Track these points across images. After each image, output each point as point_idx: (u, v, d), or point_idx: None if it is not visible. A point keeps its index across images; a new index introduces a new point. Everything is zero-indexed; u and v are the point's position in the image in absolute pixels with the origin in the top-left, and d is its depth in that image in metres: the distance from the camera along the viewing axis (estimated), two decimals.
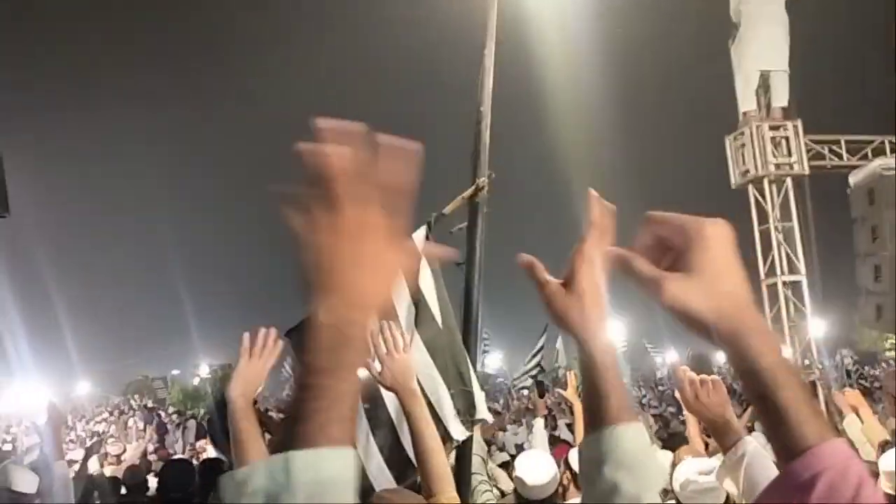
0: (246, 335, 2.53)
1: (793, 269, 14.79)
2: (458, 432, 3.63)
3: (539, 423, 7.08)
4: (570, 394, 6.08)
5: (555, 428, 10.87)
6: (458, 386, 3.67)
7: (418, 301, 3.75)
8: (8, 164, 6.82)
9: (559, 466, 4.59)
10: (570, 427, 10.80)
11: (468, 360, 3.84)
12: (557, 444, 7.17)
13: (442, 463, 2.59)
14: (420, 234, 3.88)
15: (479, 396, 3.76)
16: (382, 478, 3.53)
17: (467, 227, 4.06)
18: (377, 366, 2.71)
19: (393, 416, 3.50)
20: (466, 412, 3.66)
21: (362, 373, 3.58)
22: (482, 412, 3.76)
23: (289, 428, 0.88)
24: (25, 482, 4.82)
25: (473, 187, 4.04)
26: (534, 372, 15.52)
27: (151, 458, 11.68)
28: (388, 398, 3.38)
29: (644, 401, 19.50)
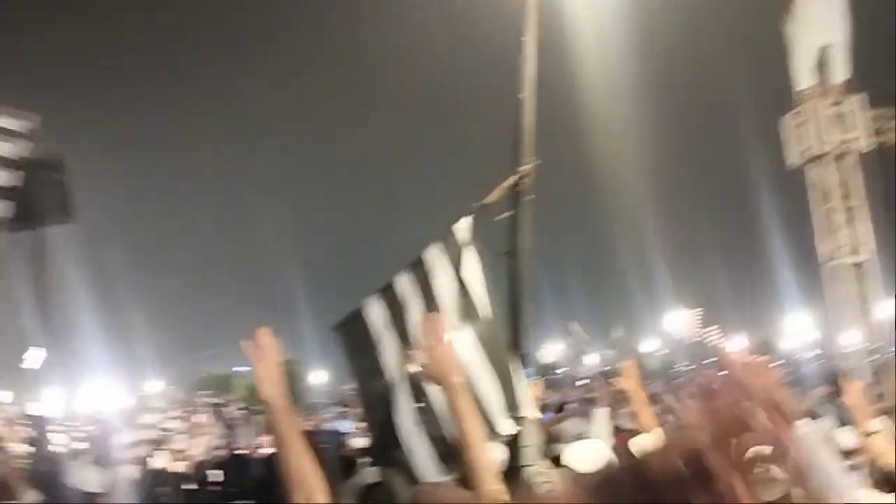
0: (245, 342, 2.54)
1: (858, 250, 14.28)
2: (505, 427, 3.61)
3: (602, 412, 7.01)
4: (630, 384, 5.87)
5: (614, 417, 10.73)
6: (506, 380, 3.65)
7: (463, 292, 3.75)
8: (73, 169, 7.07)
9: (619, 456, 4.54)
10: (631, 416, 10.63)
11: (513, 355, 3.82)
12: (618, 434, 7.08)
13: (484, 456, 2.58)
14: (464, 225, 3.88)
15: (525, 392, 3.73)
16: (429, 470, 3.54)
17: (511, 216, 4.04)
18: (422, 357, 2.71)
19: (440, 408, 3.51)
20: (511, 408, 3.64)
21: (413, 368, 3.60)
22: (527, 408, 3.72)
23: None
24: (93, 481, 4.97)
25: (516, 175, 4.01)
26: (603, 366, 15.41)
27: (219, 453, 11.95)
28: (435, 390, 3.39)
29: None
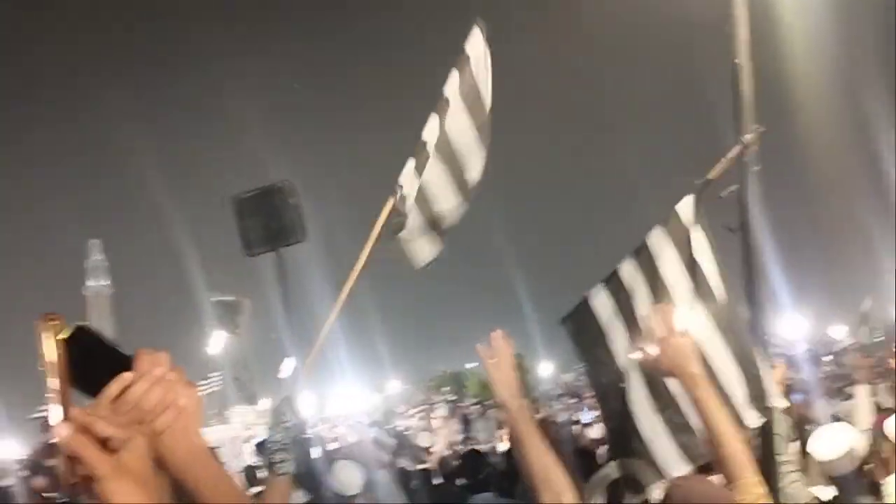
0: (479, 346, 2.58)
1: None
2: (751, 419, 3.39)
3: (861, 390, 6.51)
4: None
5: (873, 394, 9.82)
6: (748, 367, 3.43)
7: (693, 275, 3.57)
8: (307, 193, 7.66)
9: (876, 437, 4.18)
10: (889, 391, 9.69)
11: (752, 338, 3.58)
12: (878, 413, 6.50)
13: (738, 447, 2.42)
14: (688, 204, 3.70)
15: (769, 379, 3.48)
16: (671, 459, 3.41)
17: (738, 190, 3.79)
18: (653, 350, 2.61)
19: (678, 397, 3.36)
20: (756, 397, 3.41)
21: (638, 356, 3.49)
22: (773, 398, 3.47)
23: None
24: (350, 482, 5.17)
25: (739, 145, 3.76)
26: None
27: (459, 448, 12.37)
28: (672, 381, 3.25)
29: None
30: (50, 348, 0.99)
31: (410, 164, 3.97)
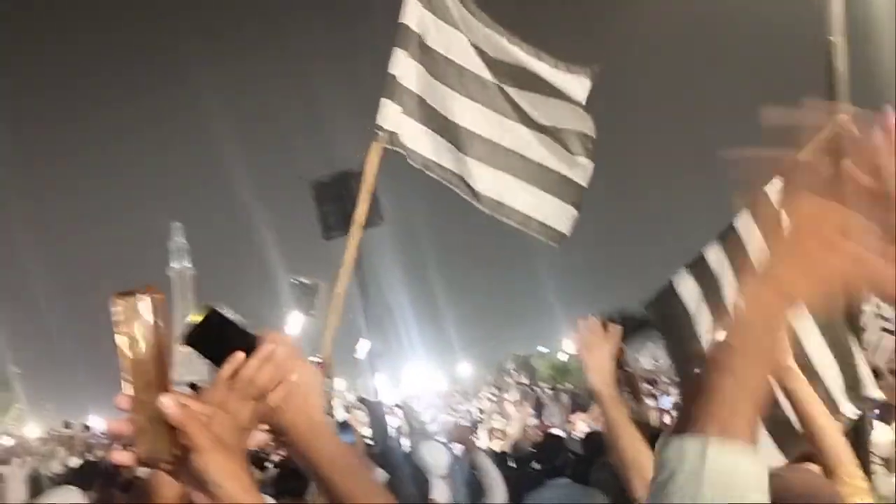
0: (575, 330, 2.55)
1: None
2: (849, 410, 3.28)
3: None
4: None
5: None
6: (843, 356, 3.32)
7: None
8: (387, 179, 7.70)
9: None
10: None
11: (848, 325, 3.45)
12: None
13: (837, 440, 2.36)
14: (778, 186, 3.57)
15: (866, 370, 3.36)
16: (763, 449, 3.33)
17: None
18: None
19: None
20: (853, 388, 3.29)
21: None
22: (870, 389, 3.34)
23: (700, 407, 0.93)
24: (435, 462, 5.17)
25: (831, 126, 3.61)
26: None
27: (532, 431, 12.35)
28: None
29: None
30: (145, 319, 1.01)
31: (389, 104, 4.04)
